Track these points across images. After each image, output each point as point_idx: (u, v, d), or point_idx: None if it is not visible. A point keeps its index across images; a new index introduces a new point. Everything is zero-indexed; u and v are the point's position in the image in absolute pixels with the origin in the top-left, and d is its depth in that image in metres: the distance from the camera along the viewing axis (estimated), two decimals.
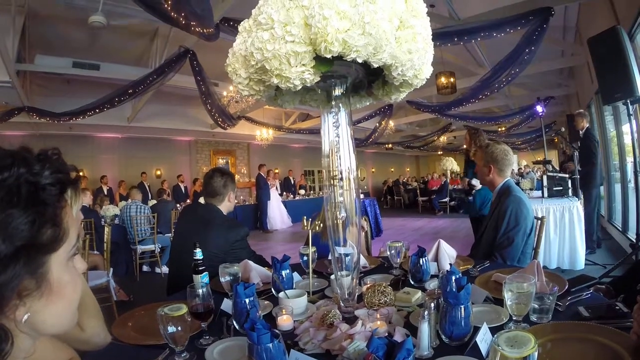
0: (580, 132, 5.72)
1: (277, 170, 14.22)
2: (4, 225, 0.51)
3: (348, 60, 1.15)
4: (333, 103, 1.44)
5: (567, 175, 5.18)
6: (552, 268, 4.68)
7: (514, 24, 5.21)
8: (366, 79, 1.48)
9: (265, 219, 11.22)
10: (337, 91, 1.42)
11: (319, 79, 1.22)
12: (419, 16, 1.22)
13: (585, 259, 4.78)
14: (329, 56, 1.12)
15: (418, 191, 15.68)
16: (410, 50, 1.20)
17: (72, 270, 0.65)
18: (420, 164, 28.57)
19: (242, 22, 1.29)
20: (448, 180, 14.70)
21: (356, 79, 1.44)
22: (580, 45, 6.72)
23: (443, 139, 17.88)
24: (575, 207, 4.70)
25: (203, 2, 4.55)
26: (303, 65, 1.14)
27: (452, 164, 16.02)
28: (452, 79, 7.74)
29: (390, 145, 18.51)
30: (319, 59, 1.16)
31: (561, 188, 5.03)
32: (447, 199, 13.80)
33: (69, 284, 0.63)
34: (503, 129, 13.90)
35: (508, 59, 5.89)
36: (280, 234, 10.90)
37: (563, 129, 8.75)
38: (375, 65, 1.20)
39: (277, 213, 11.57)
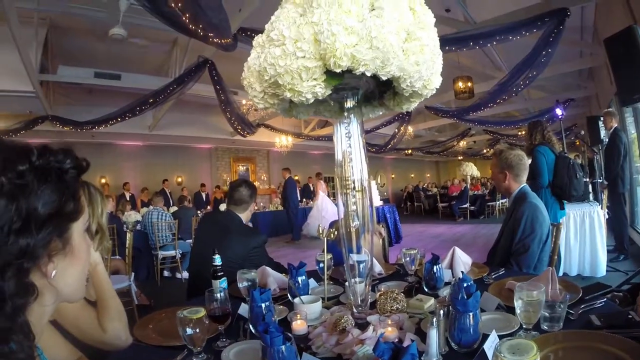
0: (608, 131, 5.51)
1: (297, 177, 14.20)
2: (40, 197, 0.68)
3: (357, 73, 1.18)
4: (345, 114, 1.46)
5: (587, 180, 5.04)
6: (573, 275, 4.59)
7: (530, 27, 5.15)
8: (377, 89, 1.51)
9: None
10: (349, 103, 1.44)
11: (330, 92, 1.24)
12: (426, 28, 1.24)
13: (607, 266, 4.66)
14: (338, 70, 1.15)
15: (438, 197, 15.51)
16: (417, 62, 1.21)
17: (87, 240, 0.84)
18: (440, 169, 28.30)
19: (255, 38, 1.33)
20: (468, 186, 14.52)
21: (368, 90, 1.45)
22: (599, 45, 6.56)
23: (463, 144, 17.68)
24: (595, 212, 4.60)
25: (220, 13, 4.65)
26: (314, 79, 1.17)
27: (472, 169, 15.82)
28: (469, 84, 7.69)
29: (409, 151, 18.42)
30: (329, 73, 1.19)
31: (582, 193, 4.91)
32: (467, 205, 13.62)
33: (85, 250, 0.81)
34: (523, 132, 13.64)
35: (525, 62, 5.82)
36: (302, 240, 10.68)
37: (583, 132, 8.52)
38: (384, 78, 1.22)
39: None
